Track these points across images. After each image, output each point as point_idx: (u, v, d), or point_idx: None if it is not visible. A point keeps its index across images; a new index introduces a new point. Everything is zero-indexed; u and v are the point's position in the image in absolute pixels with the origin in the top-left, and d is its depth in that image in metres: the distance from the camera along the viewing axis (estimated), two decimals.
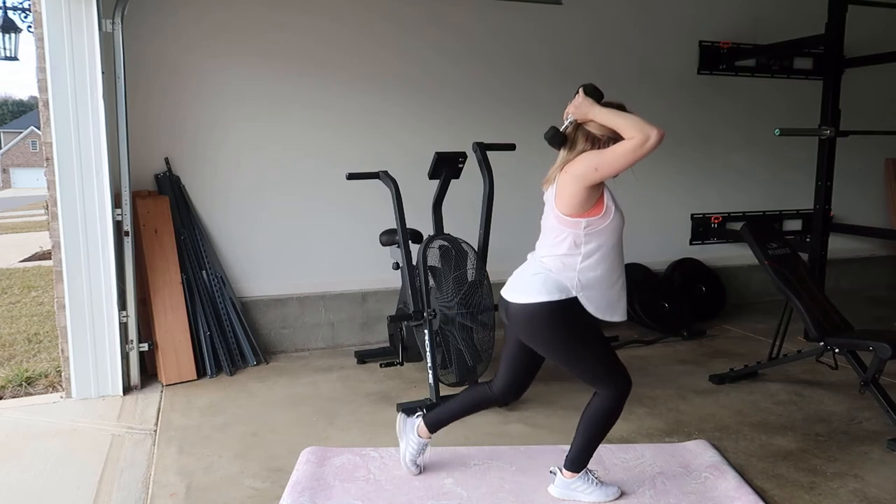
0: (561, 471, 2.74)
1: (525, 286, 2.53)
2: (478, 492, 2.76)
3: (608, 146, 2.41)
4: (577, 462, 2.70)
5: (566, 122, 2.53)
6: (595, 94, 2.47)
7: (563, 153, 2.52)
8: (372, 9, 4.75)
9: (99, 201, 3.78)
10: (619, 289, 2.55)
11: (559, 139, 2.50)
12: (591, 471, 2.73)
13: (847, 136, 4.67)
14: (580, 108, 2.47)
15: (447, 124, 4.97)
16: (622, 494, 2.74)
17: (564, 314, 2.47)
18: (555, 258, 2.49)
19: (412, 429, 2.90)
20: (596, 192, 2.43)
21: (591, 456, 2.71)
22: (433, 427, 2.89)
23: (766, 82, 5.94)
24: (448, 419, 2.90)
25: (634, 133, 2.30)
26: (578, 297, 2.46)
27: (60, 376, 4.07)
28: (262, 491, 2.84)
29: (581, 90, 2.49)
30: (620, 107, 2.46)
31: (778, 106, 5.94)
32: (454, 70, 5.00)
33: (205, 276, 4.41)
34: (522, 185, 5.19)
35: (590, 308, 2.48)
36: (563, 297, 2.45)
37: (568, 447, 3.14)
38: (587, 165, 2.38)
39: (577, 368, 2.60)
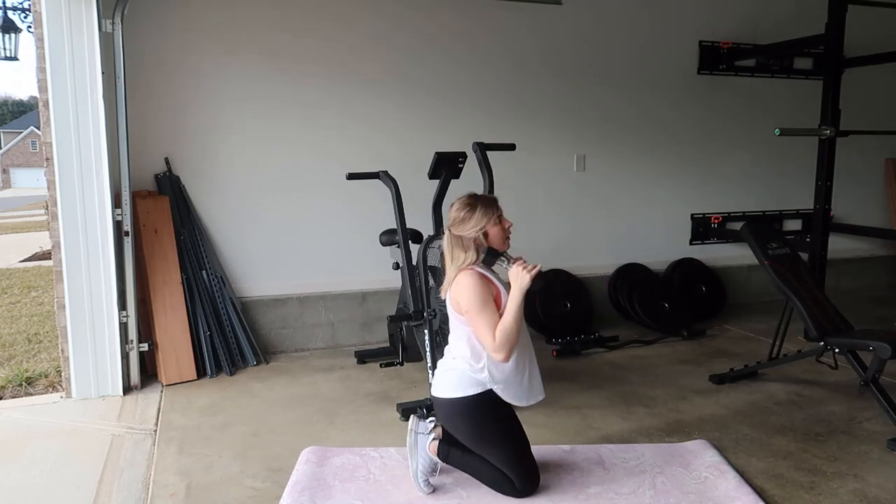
0: (435, 439, 2.75)
1: (444, 382, 2.73)
2: (478, 491, 2.75)
3: (472, 244, 2.66)
4: (449, 456, 2.73)
5: (506, 264, 2.70)
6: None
7: (452, 264, 2.70)
8: (371, 9, 4.75)
9: (99, 201, 3.78)
10: (528, 375, 2.72)
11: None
12: (436, 467, 2.76)
13: (847, 136, 4.67)
14: (522, 281, 2.59)
15: (447, 124, 4.97)
16: (431, 492, 2.73)
17: (482, 407, 2.65)
18: (462, 359, 2.68)
19: (424, 447, 2.77)
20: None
21: (457, 466, 2.75)
22: (446, 458, 2.77)
23: (766, 82, 5.94)
24: (461, 468, 2.82)
25: (490, 344, 2.55)
26: (494, 388, 2.65)
27: (60, 376, 4.07)
28: (262, 491, 2.84)
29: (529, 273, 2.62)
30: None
31: (778, 106, 5.94)
32: (454, 70, 5.00)
33: (205, 276, 4.41)
34: (522, 185, 5.21)
35: (506, 397, 2.68)
36: (480, 391, 2.64)
37: (568, 447, 3.15)
38: (464, 309, 2.62)
39: (485, 454, 2.70)
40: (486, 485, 2.72)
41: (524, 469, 2.69)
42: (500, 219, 2.73)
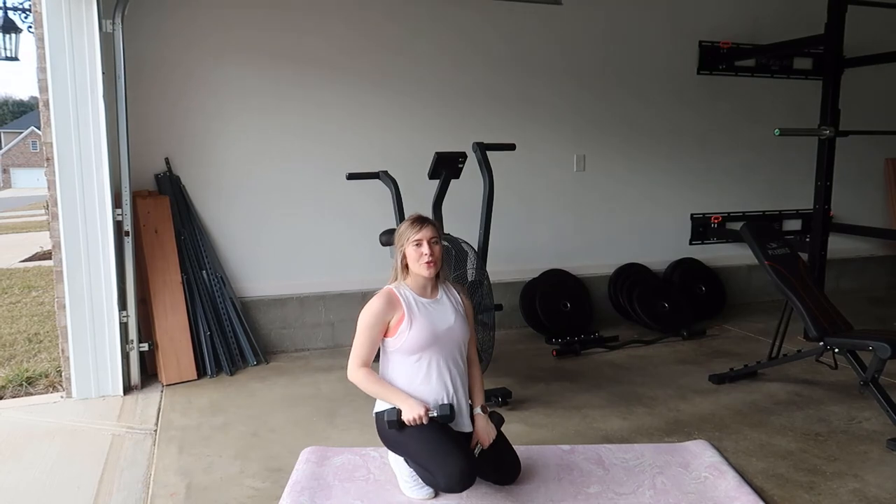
0: None
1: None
2: (477, 492, 2.75)
3: (399, 263, 2.74)
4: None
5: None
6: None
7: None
8: (373, 8, 4.75)
9: (99, 201, 3.79)
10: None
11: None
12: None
13: (847, 136, 4.67)
14: (409, 415, 2.60)
15: (447, 124, 4.97)
16: (434, 496, 2.70)
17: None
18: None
19: (394, 457, 2.80)
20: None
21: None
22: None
23: (766, 82, 5.94)
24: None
25: (350, 363, 2.69)
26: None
27: (61, 376, 4.07)
28: (262, 491, 2.84)
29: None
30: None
31: (778, 106, 5.94)
32: (454, 70, 5.01)
33: (205, 275, 4.41)
34: (522, 185, 5.21)
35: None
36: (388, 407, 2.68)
37: (568, 447, 3.15)
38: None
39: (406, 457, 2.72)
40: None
41: (447, 458, 2.56)
42: (418, 243, 2.67)
